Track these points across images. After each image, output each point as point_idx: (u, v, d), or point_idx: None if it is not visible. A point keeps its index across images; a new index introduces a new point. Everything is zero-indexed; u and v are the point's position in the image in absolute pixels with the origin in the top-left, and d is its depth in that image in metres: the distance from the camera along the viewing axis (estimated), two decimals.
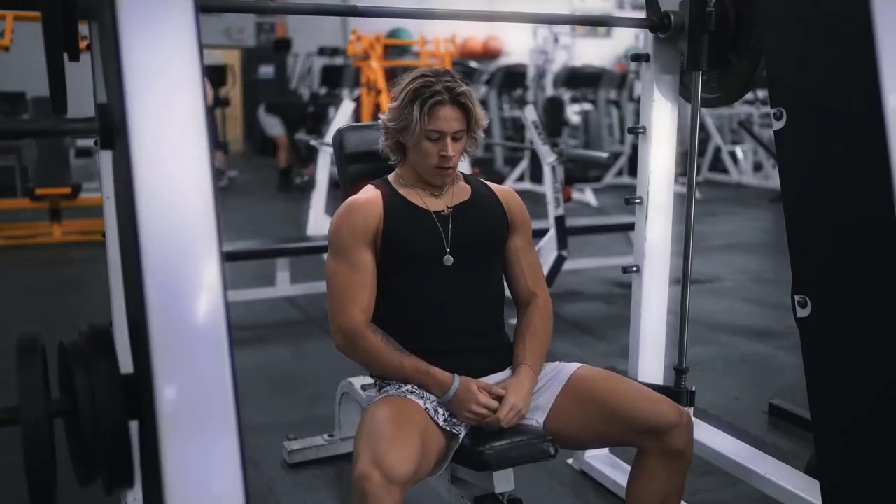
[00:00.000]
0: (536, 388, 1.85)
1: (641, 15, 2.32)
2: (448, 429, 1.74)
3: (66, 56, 1.36)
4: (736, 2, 2.14)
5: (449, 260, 1.87)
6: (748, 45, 2.13)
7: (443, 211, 1.91)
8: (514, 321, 1.97)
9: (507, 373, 1.88)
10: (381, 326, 1.86)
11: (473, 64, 11.65)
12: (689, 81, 2.23)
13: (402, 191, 1.93)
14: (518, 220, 1.99)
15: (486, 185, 2.03)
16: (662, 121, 2.31)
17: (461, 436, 1.75)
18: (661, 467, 1.77)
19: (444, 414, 1.75)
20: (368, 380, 2.30)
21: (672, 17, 2.19)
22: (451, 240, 1.88)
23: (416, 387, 1.79)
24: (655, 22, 2.21)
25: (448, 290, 1.87)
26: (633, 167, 5.42)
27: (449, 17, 2.11)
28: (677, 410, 1.77)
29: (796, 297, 1.56)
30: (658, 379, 2.38)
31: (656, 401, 1.79)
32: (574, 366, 1.90)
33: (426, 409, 1.74)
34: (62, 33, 1.27)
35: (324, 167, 4.91)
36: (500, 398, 1.76)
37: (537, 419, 1.83)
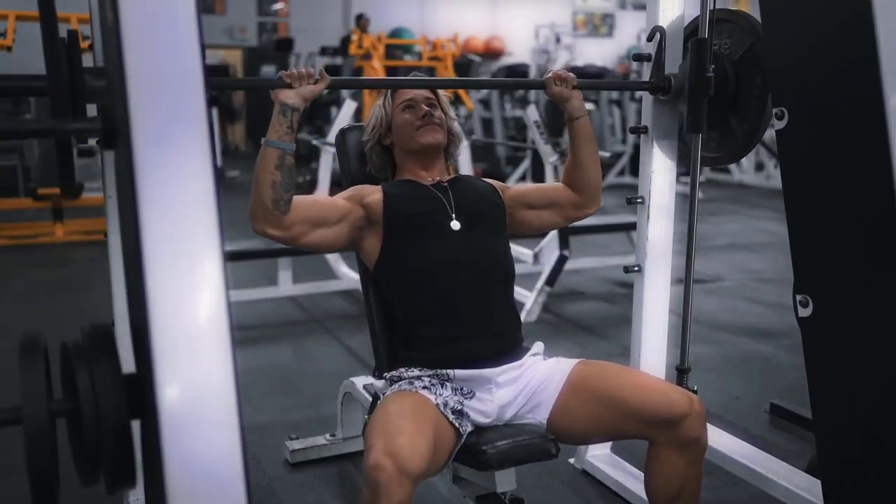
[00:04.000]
0: (537, 384, 1.85)
1: (643, 15, 2.31)
2: (456, 425, 1.74)
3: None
4: (736, 64, 2.13)
5: (456, 224, 1.92)
6: (749, 106, 2.12)
7: (441, 181, 2.02)
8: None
9: (516, 364, 1.87)
10: (394, 321, 1.95)
11: (474, 58, 11.67)
12: (689, 140, 2.22)
13: (398, 178, 2.07)
14: (501, 187, 2.11)
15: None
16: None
17: (465, 434, 1.75)
18: (676, 457, 1.76)
19: (452, 410, 1.75)
20: (371, 379, 2.30)
21: (672, 79, 2.18)
22: (455, 206, 1.96)
23: (427, 383, 1.80)
24: (656, 85, 2.20)
25: (458, 255, 1.89)
26: (634, 167, 5.42)
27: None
28: (687, 399, 1.76)
29: (798, 297, 1.56)
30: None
31: (664, 391, 1.78)
32: (573, 361, 1.90)
33: (437, 404, 1.74)
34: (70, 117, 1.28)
35: (326, 167, 4.91)
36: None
37: (540, 417, 1.84)
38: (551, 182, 2.14)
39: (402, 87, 2.07)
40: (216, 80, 1.63)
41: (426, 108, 2.01)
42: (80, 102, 1.29)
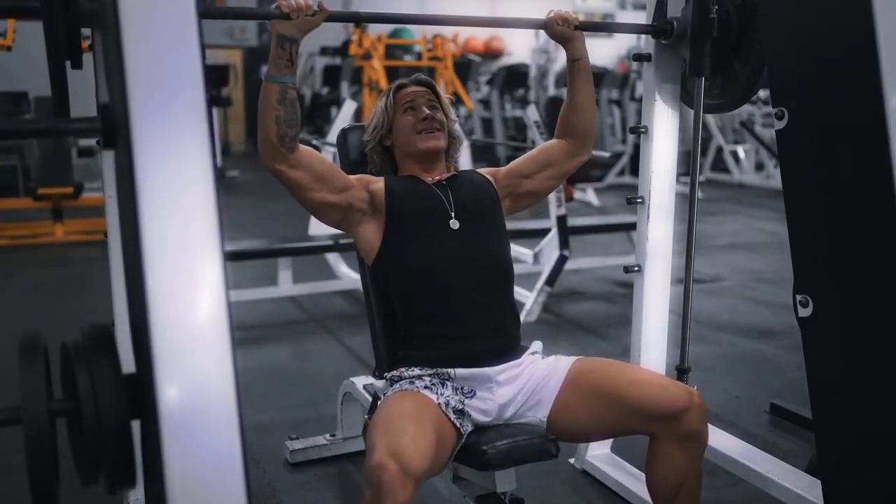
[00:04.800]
0: (537, 383, 1.86)
1: (643, 14, 2.31)
2: (457, 424, 1.74)
3: (68, 63, 1.36)
4: (739, 7, 2.12)
5: (455, 223, 1.93)
6: (751, 50, 2.11)
7: (441, 179, 2.02)
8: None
9: (516, 363, 1.87)
10: (395, 320, 1.94)
11: (474, 57, 11.66)
12: (691, 87, 2.22)
13: (399, 174, 2.08)
14: (494, 172, 2.12)
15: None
16: (664, 121, 2.31)
17: (466, 434, 1.75)
18: (677, 451, 1.76)
19: (453, 410, 1.75)
20: (371, 379, 2.30)
21: (675, 23, 2.17)
22: (454, 204, 1.96)
23: (428, 382, 1.80)
24: (658, 28, 2.20)
25: (458, 254, 1.90)
26: (634, 167, 5.42)
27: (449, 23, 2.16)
28: (687, 392, 1.77)
29: (798, 297, 1.56)
30: None
31: (664, 385, 1.79)
32: (572, 358, 1.91)
33: (438, 404, 1.74)
34: (65, 41, 1.26)
35: None
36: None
37: (540, 416, 1.84)
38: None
39: (407, 23, 2.08)
40: (208, 10, 1.56)
41: (427, 111, 2.01)
42: (74, 25, 1.27)
